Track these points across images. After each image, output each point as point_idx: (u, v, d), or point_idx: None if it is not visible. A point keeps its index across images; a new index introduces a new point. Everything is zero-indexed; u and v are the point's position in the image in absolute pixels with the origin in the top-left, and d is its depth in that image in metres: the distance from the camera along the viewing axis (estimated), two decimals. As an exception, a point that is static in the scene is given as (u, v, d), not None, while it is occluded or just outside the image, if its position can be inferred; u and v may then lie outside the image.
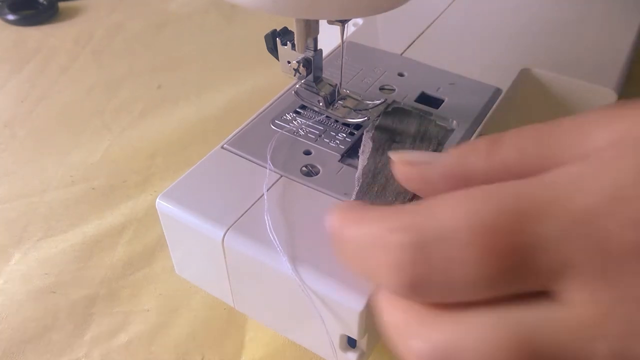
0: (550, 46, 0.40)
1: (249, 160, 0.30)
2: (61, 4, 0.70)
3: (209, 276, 0.30)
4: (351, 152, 0.30)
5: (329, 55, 0.38)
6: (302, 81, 0.32)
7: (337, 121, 0.32)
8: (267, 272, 0.26)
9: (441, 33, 0.41)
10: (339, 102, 0.32)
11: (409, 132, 0.31)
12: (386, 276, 0.18)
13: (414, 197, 0.27)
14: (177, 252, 0.31)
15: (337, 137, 0.31)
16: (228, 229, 0.26)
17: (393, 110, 0.32)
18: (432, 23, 0.42)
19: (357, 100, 0.33)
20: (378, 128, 0.31)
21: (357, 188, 0.28)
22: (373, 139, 0.30)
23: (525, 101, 0.39)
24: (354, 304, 0.23)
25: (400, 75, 0.36)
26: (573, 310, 0.16)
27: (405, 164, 0.22)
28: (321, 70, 0.32)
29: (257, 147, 0.30)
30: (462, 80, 0.36)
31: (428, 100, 0.34)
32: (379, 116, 0.32)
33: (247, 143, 0.31)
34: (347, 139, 0.31)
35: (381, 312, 0.19)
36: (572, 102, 0.38)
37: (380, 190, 0.28)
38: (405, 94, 0.35)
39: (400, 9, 0.26)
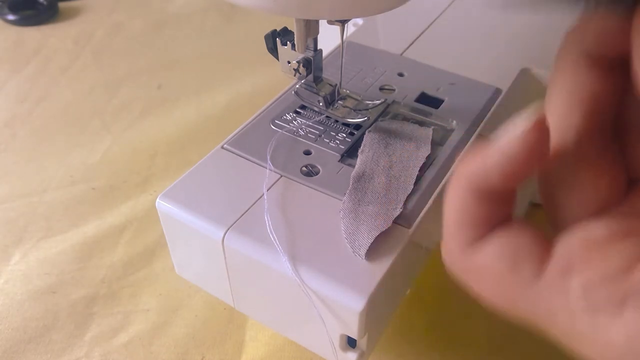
0: (550, 46, 0.40)
1: (249, 160, 0.30)
2: (61, 4, 0.70)
3: (209, 276, 0.30)
4: (351, 152, 0.30)
5: (329, 55, 0.38)
6: (302, 81, 0.32)
7: (337, 121, 0.32)
8: (267, 272, 0.26)
9: (441, 33, 0.41)
10: (339, 102, 0.32)
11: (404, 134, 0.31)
12: None
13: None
14: (177, 252, 0.31)
15: (337, 137, 0.31)
16: (228, 229, 0.26)
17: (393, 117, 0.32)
18: (432, 23, 0.42)
19: (357, 100, 0.33)
20: (377, 129, 0.31)
21: (350, 186, 0.28)
22: (373, 139, 0.30)
23: (525, 101, 0.39)
24: (354, 304, 0.23)
25: (400, 75, 0.36)
26: None
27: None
28: (321, 70, 0.32)
29: (257, 147, 0.30)
30: (462, 80, 0.36)
31: (428, 100, 0.34)
32: (379, 116, 0.32)
33: (247, 143, 0.31)
34: (347, 139, 0.31)
35: None
36: (572, 102, 0.37)
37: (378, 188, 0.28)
38: (405, 94, 0.35)
39: (400, 9, 0.26)
